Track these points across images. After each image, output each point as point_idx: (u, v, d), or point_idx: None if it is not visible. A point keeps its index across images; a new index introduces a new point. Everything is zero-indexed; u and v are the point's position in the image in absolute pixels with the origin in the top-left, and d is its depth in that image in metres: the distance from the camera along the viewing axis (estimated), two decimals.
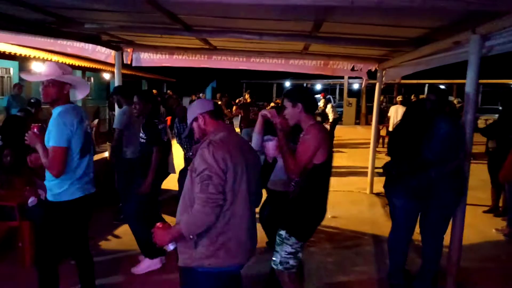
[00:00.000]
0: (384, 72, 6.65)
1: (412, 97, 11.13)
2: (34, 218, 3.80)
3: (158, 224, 2.13)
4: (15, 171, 4.02)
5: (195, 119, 2.19)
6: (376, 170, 7.04)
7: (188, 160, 4.93)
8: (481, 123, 14.60)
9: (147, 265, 3.78)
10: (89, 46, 6.16)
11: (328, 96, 28.37)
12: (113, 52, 6.29)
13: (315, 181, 2.62)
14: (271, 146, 2.74)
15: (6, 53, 9.19)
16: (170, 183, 4.87)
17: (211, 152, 1.95)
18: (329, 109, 13.71)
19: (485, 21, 3.16)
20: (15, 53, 9.52)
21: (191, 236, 1.98)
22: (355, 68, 6.45)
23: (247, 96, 9.67)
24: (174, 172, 4.62)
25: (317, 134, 2.55)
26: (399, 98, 10.82)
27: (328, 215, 5.50)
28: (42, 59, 10.94)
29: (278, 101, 11.85)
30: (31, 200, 3.73)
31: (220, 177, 1.92)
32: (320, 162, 2.57)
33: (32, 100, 6.56)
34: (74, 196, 2.75)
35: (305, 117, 2.63)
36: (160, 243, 2.07)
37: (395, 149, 3.52)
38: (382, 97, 12.89)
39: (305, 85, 31.33)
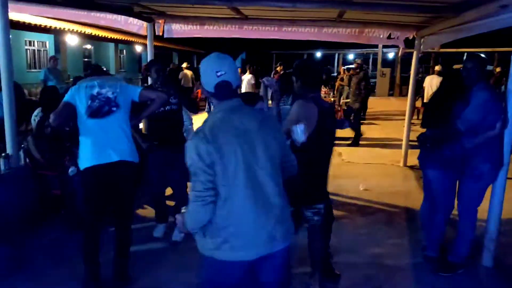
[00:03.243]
0: (422, 40, 6.35)
1: (456, 66, 10.59)
2: (75, 186, 3.97)
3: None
4: (56, 142, 4.16)
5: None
6: (411, 143, 6.87)
7: None
8: None
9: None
10: (122, 18, 6.19)
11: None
12: (145, 24, 6.29)
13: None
14: (299, 130, 2.49)
15: (42, 26, 9.41)
16: None
17: (194, 145, 1.77)
18: None
19: None
20: (50, 26, 9.73)
21: (192, 230, 1.91)
22: (391, 36, 6.17)
23: (279, 68, 9.34)
24: None
25: (296, 109, 2.68)
26: (437, 67, 10.32)
27: (360, 187, 5.57)
28: (77, 31, 11.15)
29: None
30: (72, 169, 3.88)
31: (206, 172, 1.76)
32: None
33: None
34: (95, 162, 2.84)
35: (304, 92, 2.80)
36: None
37: (429, 120, 3.43)
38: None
39: (337, 55, 30.54)
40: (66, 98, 2.89)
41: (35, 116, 4.20)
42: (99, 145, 2.86)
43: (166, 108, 3.80)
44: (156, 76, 3.79)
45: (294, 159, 2.10)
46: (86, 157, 2.87)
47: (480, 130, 3.19)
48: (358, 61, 9.92)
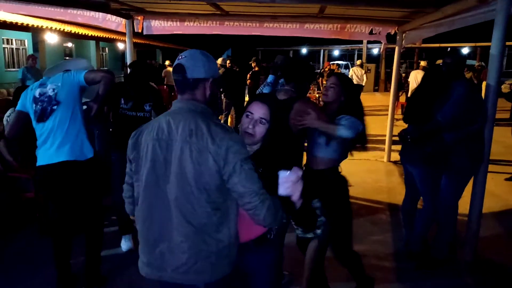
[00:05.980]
0: (404, 35, 6.35)
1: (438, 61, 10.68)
2: None
3: None
4: (29, 143, 4.02)
5: None
6: (394, 138, 6.87)
7: None
8: (505, 88, 14.03)
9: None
10: (99, 15, 6.04)
11: (346, 62, 27.78)
12: (123, 21, 6.15)
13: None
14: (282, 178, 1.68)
15: (19, 24, 9.16)
16: None
17: None
18: (355, 72, 12.43)
19: None
20: (27, 24, 9.48)
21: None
22: (373, 32, 6.15)
23: (253, 64, 8.95)
24: None
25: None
26: (423, 63, 10.35)
27: None
28: (56, 29, 10.91)
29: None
30: None
31: (128, 167, 1.71)
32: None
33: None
34: (39, 163, 2.81)
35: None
36: None
37: (410, 115, 3.41)
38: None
39: (322, 51, 30.61)
40: (18, 106, 2.85)
41: (7, 116, 4.03)
42: (48, 145, 2.78)
43: (138, 114, 3.58)
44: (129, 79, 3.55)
45: (252, 203, 1.54)
46: (39, 156, 2.83)
47: (461, 124, 3.20)
48: (219, 60, 9.07)
